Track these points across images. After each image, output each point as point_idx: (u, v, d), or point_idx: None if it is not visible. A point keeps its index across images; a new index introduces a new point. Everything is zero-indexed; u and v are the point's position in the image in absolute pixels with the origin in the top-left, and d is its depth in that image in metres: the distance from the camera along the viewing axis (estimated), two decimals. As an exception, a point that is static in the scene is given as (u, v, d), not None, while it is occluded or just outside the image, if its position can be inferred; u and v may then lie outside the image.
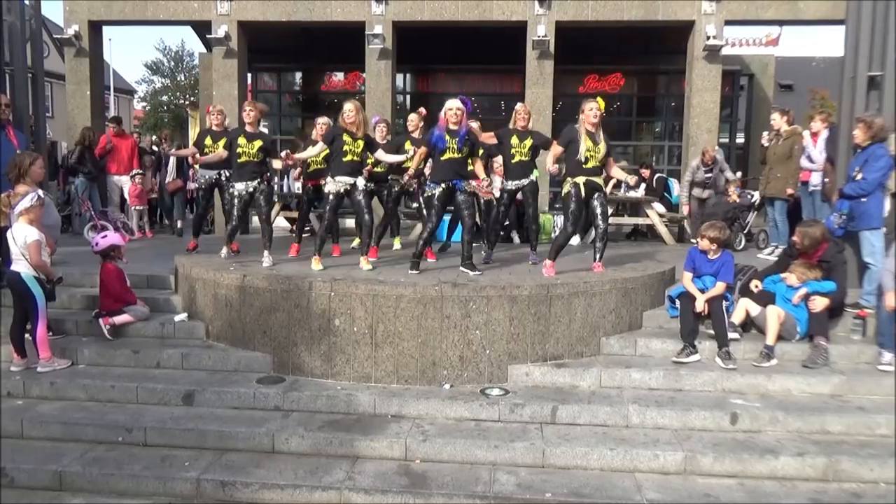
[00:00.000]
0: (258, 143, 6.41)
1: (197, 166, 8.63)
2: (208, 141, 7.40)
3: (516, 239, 9.26)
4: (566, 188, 6.06)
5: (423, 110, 7.78)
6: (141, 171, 10.22)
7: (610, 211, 9.57)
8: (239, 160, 6.47)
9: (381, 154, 6.48)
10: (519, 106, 6.99)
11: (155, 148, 12.27)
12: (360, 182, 6.12)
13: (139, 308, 6.08)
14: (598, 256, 6.19)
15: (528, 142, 6.72)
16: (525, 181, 6.79)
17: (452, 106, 5.93)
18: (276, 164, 6.71)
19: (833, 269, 5.58)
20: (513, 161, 6.79)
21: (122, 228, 9.12)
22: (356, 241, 7.94)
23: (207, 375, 5.44)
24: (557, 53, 10.88)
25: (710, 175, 9.97)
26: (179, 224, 10.82)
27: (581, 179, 5.98)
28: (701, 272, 5.75)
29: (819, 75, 28.47)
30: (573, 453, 4.41)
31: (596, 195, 6.05)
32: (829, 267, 5.59)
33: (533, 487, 4.14)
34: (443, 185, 5.96)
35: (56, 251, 5.96)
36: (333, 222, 6.24)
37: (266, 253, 6.34)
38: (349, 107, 6.10)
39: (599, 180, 6.06)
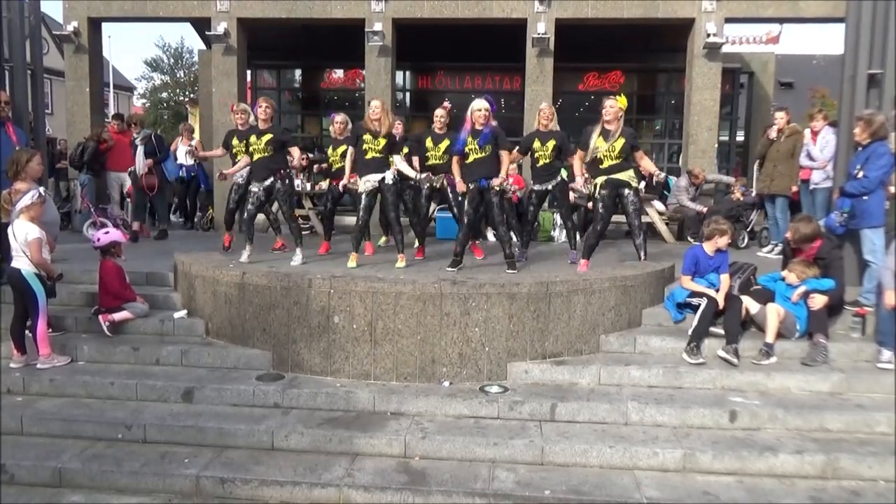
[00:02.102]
0: (266, 137, 6.38)
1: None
2: (235, 141, 7.14)
3: (514, 239, 9.23)
4: (594, 192, 6.19)
5: (448, 105, 7.72)
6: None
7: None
8: (253, 158, 6.47)
9: (398, 161, 6.31)
10: (543, 105, 7.02)
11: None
12: (389, 176, 6.13)
13: (138, 305, 6.08)
14: (641, 255, 6.32)
15: (551, 143, 6.71)
16: (552, 183, 6.81)
17: (480, 107, 5.96)
18: (294, 152, 6.58)
19: (830, 266, 5.58)
20: (538, 165, 6.83)
21: (121, 225, 9.11)
22: (383, 239, 7.97)
23: (207, 372, 5.44)
24: (557, 51, 10.86)
25: (696, 193, 9.95)
26: (164, 227, 9.82)
27: (600, 180, 6.07)
28: (704, 271, 5.74)
29: (819, 73, 28.45)
30: (572, 451, 4.42)
31: (625, 192, 6.06)
32: (825, 264, 5.59)
33: (532, 485, 4.14)
34: (470, 185, 6.01)
35: (56, 248, 5.95)
36: (367, 221, 6.26)
37: (298, 250, 6.37)
38: (375, 104, 6.14)
39: (625, 176, 6.03)
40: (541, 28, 10.67)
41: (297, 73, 16.34)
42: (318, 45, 14.08)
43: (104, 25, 12.15)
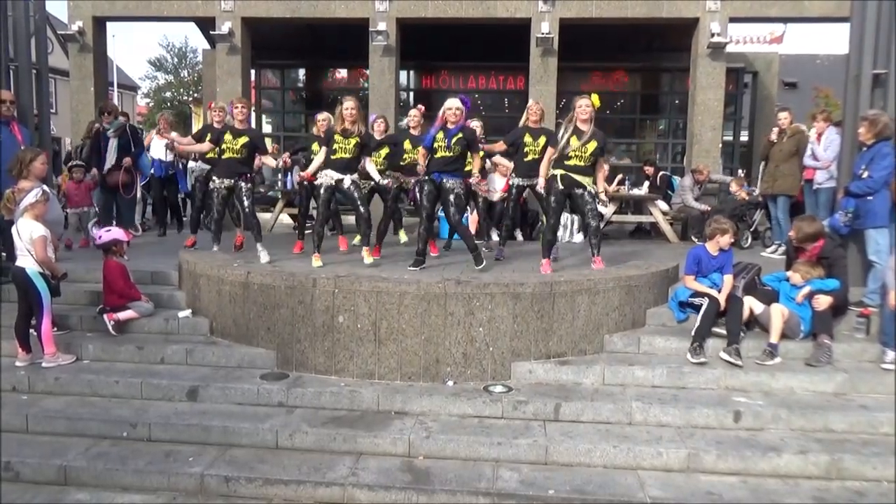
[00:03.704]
0: (243, 140, 6.43)
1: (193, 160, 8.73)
2: (208, 137, 7.32)
3: (519, 237, 9.25)
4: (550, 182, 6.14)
5: (422, 107, 7.77)
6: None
7: (613, 209, 9.66)
8: (222, 156, 6.53)
9: (368, 165, 6.45)
10: (531, 103, 7.03)
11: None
12: (347, 179, 6.13)
13: (143, 304, 6.09)
14: (594, 252, 6.20)
15: (542, 140, 6.72)
16: (536, 180, 6.79)
17: (451, 105, 5.98)
18: (270, 161, 6.74)
19: (833, 266, 5.57)
20: (525, 159, 6.81)
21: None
22: (357, 239, 7.97)
23: (211, 371, 5.45)
24: (561, 50, 10.88)
25: (699, 193, 9.94)
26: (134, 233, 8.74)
27: (559, 172, 6.01)
28: (707, 271, 5.74)
29: (823, 73, 28.40)
30: (576, 450, 4.42)
31: (579, 192, 6.00)
32: (829, 263, 5.58)
33: (536, 484, 4.14)
34: (427, 180, 6.02)
35: (59, 247, 5.96)
36: (327, 216, 6.27)
37: (259, 246, 6.40)
38: (349, 104, 6.11)
39: (583, 179, 5.98)
40: (545, 28, 10.68)
41: (301, 72, 16.35)
42: (322, 45, 14.10)
43: (108, 25, 12.20)
